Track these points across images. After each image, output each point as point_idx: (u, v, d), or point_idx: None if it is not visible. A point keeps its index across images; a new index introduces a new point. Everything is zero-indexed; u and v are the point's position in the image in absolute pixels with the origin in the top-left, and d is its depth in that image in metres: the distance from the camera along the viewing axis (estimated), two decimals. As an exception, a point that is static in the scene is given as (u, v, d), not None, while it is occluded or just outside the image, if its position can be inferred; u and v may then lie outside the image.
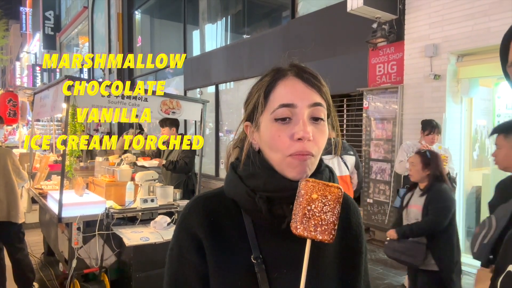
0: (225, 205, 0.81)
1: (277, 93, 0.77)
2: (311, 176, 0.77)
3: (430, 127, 3.96)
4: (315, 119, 0.77)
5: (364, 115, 5.51)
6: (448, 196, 2.78)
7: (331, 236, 0.68)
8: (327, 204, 0.68)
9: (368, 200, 5.43)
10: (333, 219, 0.68)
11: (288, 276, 0.72)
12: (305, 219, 0.68)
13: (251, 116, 0.82)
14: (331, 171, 0.86)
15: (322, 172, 0.82)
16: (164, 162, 4.48)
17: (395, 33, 5.12)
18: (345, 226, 0.87)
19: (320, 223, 0.67)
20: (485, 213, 4.42)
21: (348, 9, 4.84)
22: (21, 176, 3.81)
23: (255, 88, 0.83)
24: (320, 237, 0.68)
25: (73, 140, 3.53)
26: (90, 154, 7.30)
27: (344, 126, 6.28)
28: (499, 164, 2.16)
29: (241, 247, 0.78)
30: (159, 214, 3.55)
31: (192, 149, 4.59)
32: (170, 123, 4.60)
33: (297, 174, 0.75)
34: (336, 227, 0.69)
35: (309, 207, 0.67)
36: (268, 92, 0.79)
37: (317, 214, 0.67)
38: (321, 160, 0.83)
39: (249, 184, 0.78)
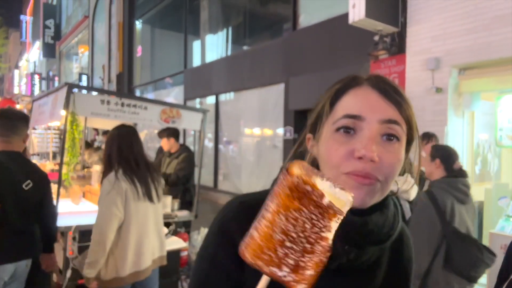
0: None
1: (344, 102, 0.66)
2: (373, 212, 0.64)
3: (427, 137, 3.97)
4: (389, 137, 0.63)
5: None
6: None
7: (309, 282, 0.42)
8: (317, 226, 0.40)
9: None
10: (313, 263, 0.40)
11: None
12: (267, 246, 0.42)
13: (314, 127, 0.71)
14: (395, 205, 0.71)
15: (387, 207, 0.68)
16: None
17: (397, 45, 5.13)
18: (395, 258, 0.76)
19: (290, 252, 0.40)
20: (487, 228, 4.37)
21: (350, 21, 4.85)
22: None
23: (323, 95, 0.72)
24: (287, 279, 0.40)
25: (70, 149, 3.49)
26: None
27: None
28: None
29: None
30: (157, 224, 3.48)
31: (191, 162, 4.56)
32: (168, 134, 4.56)
33: (355, 197, 0.60)
34: (320, 266, 0.43)
35: (276, 220, 0.40)
36: (335, 100, 0.67)
37: (289, 236, 0.40)
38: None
39: None
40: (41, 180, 2.48)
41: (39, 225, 2.47)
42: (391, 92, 0.65)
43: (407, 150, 0.68)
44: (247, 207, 0.70)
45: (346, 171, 0.61)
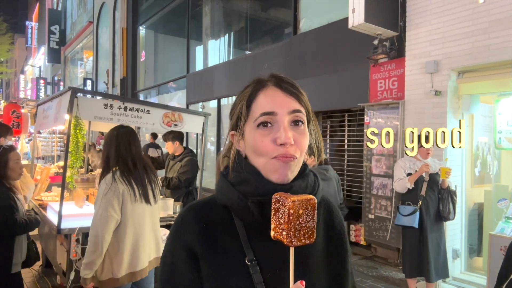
0: (217, 212, 0.84)
1: (258, 103, 0.82)
2: (296, 180, 0.83)
3: (421, 140, 3.95)
4: (296, 123, 0.82)
5: (365, 130, 5.52)
6: None
7: (314, 237, 0.76)
8: (309, 214, 0.76)
9: (370, 216, 5.39)
10: (314, 224, 0.77)
11: (281, 276, 0.76)
12: (297, 232, 0.74)
13: (236, 125, 0.87)
14: (315, 175, 0.89)
15: (307, 176, 0.86)
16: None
17: (396, 49, 5.17)
18: (329, 227, 0.94)
19: (307, 231, 0.76)
20: (487, 230, 4.39)
21: (350, 26, 4.91)
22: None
23: (238, 99, 0.88)
24: (308, 241, 0.76)
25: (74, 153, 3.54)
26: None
27: (346, 141, 6.29)
28: None
29: (235, 250, 0.81)
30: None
31: (194, 166, 4.58)
32: (173, 137, 4.59)
33: (280, 176, 0.80)
34: (315, 229, 0.77)
35: (297, 221, 0.74)
36: (250, 102, 0.84)
37: (303, 225, 0.75)
38: (305, 165, 0.87)
39: (240, 189, 0.81)
40: None
41: None
42: (291, 88, 0.84)
43: (308, 127, 0.87)
44: (194, 209, 0.86)
45: (273, 156, 0.79)
